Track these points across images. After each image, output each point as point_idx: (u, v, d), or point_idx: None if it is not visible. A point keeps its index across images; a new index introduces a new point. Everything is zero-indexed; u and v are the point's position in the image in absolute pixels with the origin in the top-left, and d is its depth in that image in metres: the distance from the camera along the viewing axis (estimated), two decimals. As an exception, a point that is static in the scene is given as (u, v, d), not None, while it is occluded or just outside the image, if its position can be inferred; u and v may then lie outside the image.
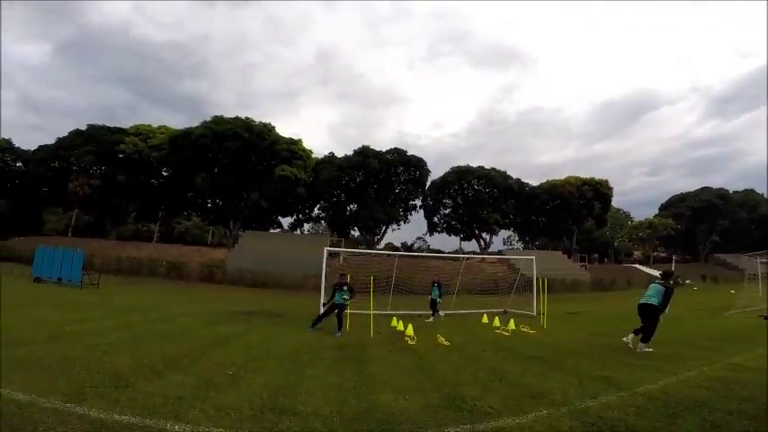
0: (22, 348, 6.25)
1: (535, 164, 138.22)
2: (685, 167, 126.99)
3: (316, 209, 47.07)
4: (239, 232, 39.35)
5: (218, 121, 35.66)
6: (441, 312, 14.19)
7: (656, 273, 42.21)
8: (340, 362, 6.68)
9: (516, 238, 68.40)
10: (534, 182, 50.33)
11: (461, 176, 45.55)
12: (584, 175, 48.86)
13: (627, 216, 70.09)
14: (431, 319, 12.86)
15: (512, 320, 11.80)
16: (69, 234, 39.09)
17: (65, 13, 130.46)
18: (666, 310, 7.99)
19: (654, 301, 7.74)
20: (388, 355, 7.52)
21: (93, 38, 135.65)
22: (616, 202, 54.82)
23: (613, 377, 5.46)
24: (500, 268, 33.97)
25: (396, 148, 44.51)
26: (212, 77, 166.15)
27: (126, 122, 40.58)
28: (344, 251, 28.63)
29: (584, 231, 50.93)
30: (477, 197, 45.05)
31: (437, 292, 14.20)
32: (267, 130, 36.94)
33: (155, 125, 40.19)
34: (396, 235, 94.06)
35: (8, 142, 41.64)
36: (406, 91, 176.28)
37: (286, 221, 48.71)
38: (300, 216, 47.34)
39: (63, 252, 19.54)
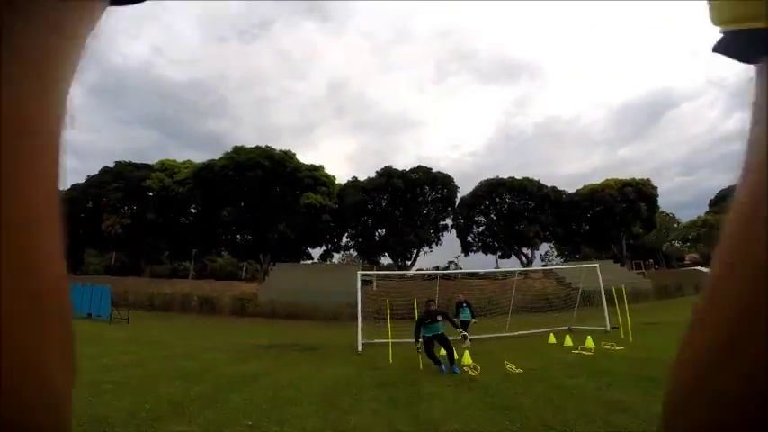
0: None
1: (560, 175, 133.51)
2: (721, 163, 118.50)
3: (344, 237, 46.01)
4: (270, 265, 38.61)
5: (239, 150, 35.71)
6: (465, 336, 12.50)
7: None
8: (389, 405, 5.15)
9: (555, 253, 64.81)
10: (570, 189, 47.29)
11: (492, 190, 43.07)
12: (623, 176, 45.69)
13: (672, 218, 65.63)
14: (468, 343, 11.13)
15: (588, 338, 9.84)
16: (107, 273, 39.65)
17: (90, 55, 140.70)
18: None
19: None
20: (449, 391, 5.90)
21: (118, 79, 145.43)
22: (663, 202, 51.01)
23: None
24: (548, 283, 31.40)
25: (420, 166, 42.82)
26: (231, 114, 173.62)
27: (154, 160, 41.10)
28: (377, 273, 27.02)
29: (633, 237, 46.96)
30: (512, 210, 42.33)
31: (469, 313, 12.39)
32: (288, 157, 36.65)
33: (179, 160, 40.92)
34: (427, 259, 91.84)
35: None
36: (419, 114, 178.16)
37: (316, 253, 47.91)
38: (329, 246, 46.34)
39: (92, 288, 19.51)
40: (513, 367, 7.33)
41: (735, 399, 0.22)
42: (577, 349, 9.36)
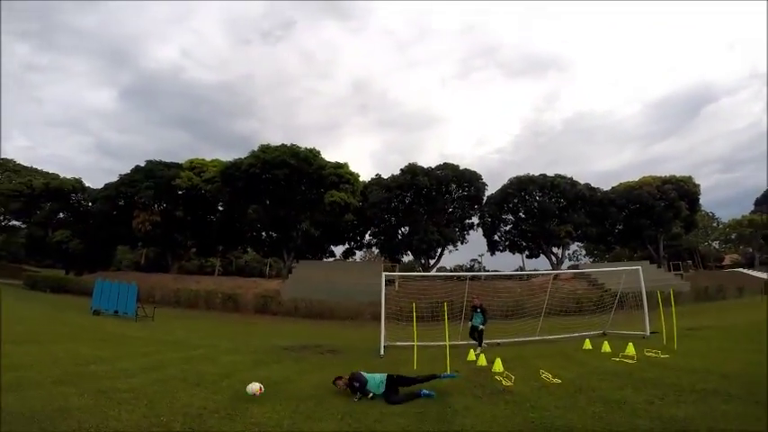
0: (19, 393, 5.03)
1: (590, 172, 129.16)
2: (764, 160, 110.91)
3: (367, 235, 45.67)
4: (293, 263, 38.77)
5: (265, 149, 35.91)
6: (485, 343, 11.97)
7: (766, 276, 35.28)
8: (418, 419, 4.73)
9: (583, 253, 62.69)
10: (605, 186, 45.18)
11: (522, 187, 41.53)
12: (660, 173, 43.34)
13: (711, 217, 62.43)
14: (479, 350, 10.60)
15: (629, 344, 9.07)
16: (136, 270, 40.63)
17: (123, 60, 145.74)
18: None
19: None
20: (483, 404, 5.40)
21: (150, 83, 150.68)
22: (705, 201, 48.09)
23: None
24: (579, 285, 30.12)
25: (446, 164, 41.68)
26: (260, 115, 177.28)
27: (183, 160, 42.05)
28: (400, 275, 26.56)
29: (671, 237, 44.54)
30: (543, 208, 40.62)
31: (481, 319, 11.95)
32: (312, 155, 36.60)
33: (208, 159, 41.59)
34: (451, 258, 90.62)
35: (79, 182, 44.62)
36: (443, 111, 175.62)
37: (338, 250, 47.83)
38: (352, 243, 46.11)
39: (119, 285, 19.61)
40: (550, 377, 6.76)
41: None
42: (618, 357, 8.63)
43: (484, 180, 41.32)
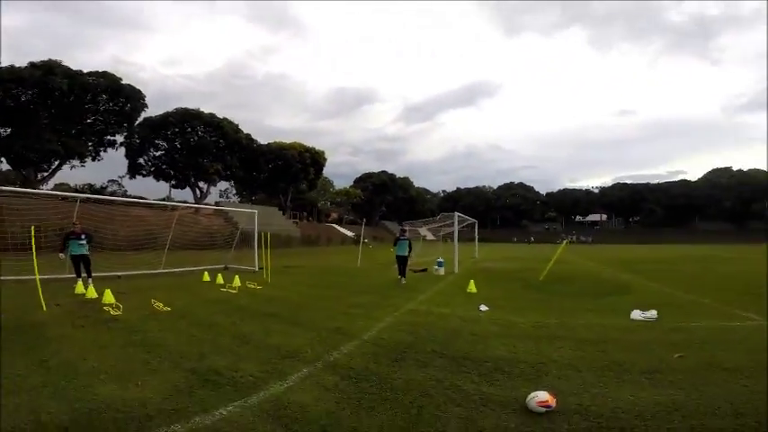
0: None
1: (266, 125, 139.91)
2: (374, 154, 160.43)
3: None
4: None
5: None
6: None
7: (349, 233, 52.32)
8: (4, 352, 4.58)
9: (234, 192, 67.93)
10: (262, 140, 50.86)
11: (186, 119, 40.14)
12: (307, 143, 53.69)
13: (330, 183, 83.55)
14: (90, 282, 9.77)
15: (236, 277, 11.58)
16: None
17: None
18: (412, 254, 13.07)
19: (406, 252, 12.24)
20: (84, 332, 5.74)
21: None
22: (325, 171, 63.70)
23: (342, 327, 6.23)
24: (216, 221, 32.65)
25: (104, 72, 34.23)
26: None
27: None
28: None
29: (298, 192, 56.43)
30: (201, 144, 40.89)
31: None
32: None
33: None
34: (77, 174, 73.52)
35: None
36: (140, 14, 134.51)
37: None
38: None
39: None
40: (161, 306, 7.57)
41: None
42: (225, 287, 10.67)
43: (146, 102, 37.10)
